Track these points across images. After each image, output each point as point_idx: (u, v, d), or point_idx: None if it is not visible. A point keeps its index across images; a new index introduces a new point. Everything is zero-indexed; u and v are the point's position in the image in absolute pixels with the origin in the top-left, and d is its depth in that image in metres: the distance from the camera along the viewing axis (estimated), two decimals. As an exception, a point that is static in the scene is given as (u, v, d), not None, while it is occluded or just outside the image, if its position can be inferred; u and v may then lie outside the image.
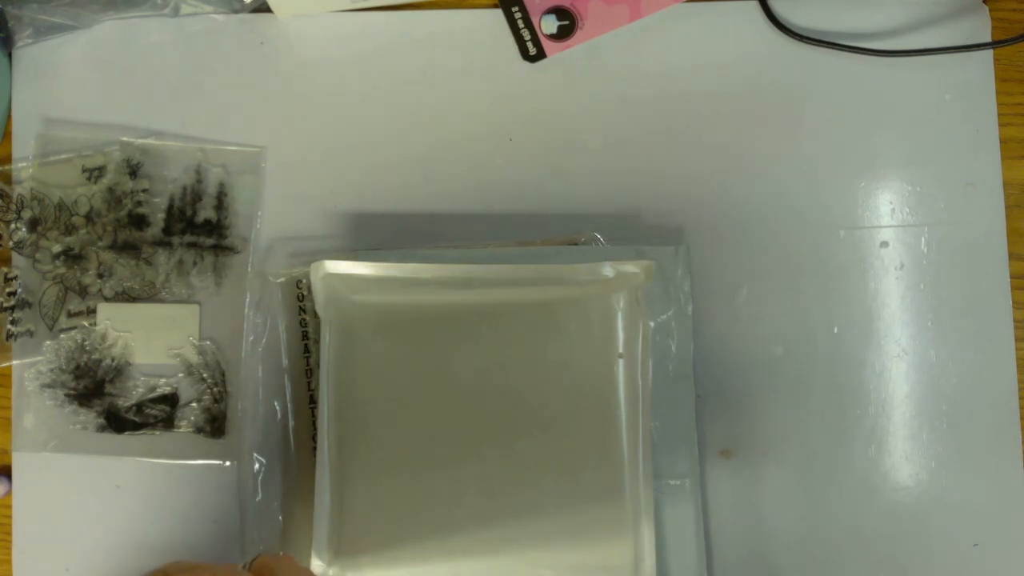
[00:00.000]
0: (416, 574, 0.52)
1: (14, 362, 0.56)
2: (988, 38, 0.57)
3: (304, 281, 0.56)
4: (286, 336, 0.55)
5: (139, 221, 0.56)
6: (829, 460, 0.55)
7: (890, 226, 0.56)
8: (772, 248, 0.56)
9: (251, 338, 0.55)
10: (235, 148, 0.57)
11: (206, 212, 0.56)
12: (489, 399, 0.53)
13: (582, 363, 0.53)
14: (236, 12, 0.58)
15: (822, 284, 0.56)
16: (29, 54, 0.58)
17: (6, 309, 0.56)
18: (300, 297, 0.56)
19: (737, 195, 0.56)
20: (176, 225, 0.56)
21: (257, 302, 0.55)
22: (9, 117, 0.57)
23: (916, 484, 0.55)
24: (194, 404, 0.56)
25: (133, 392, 0.56)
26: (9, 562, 0.55)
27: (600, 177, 0.56)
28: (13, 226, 0.56)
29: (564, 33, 0.57)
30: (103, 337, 0.56)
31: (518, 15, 0.57)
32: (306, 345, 0.55)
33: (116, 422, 0.55)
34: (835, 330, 0.56)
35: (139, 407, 0.56)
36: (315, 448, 0.53)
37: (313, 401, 0.55)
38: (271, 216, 0.57)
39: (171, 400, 0.56)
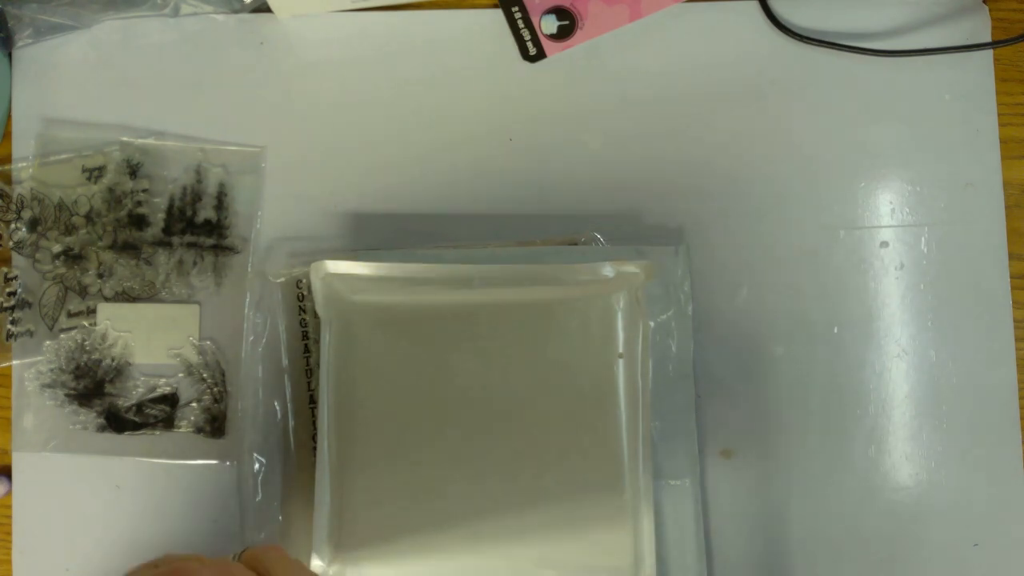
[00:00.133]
0: (416, 573, 0.52)
1: (14, 362, 0.56)
2: (988, 38, 0.57)
3: (304, 281, 0.56)
4: (286, 336, 0.55)
5: (139, 221, 0.56)
6: (829, 460, 0.55)
7: (890, 226, 0.56)
8: (772, 248, 0.56)
9: (251, 338, 0.55)
10: (235, 148, 0.57)
11: (206, 212, 0.56)
12: (489, 399, 0.53)
13: (582, 363, 0.53)
14: (236, 12, 0.58)
15: (822, 284, 0.56)
16: (29, 54, 0.58)
17: (6, 309, 0.56)
18: (300, 297, 0.56)
19: (737, 195, 0.56)
20: (176, 225, 0.56)
21: (257, 302, 0.55)
22: (9, 117, 0.57)
23: (916, 484, 0.55)
24: (194, 404, 0.56)
25: (133, 392, 0.56)
26: (9, 562, 0.55)
27: (600, 177, 0.56)
28: (13, 226, 0.56)
29: (564, 33, 0.57)
30: (103, 337, 0.56)
31: (518, 15, 0.57)
32: (306, 345, 0.55)
33: (116, 422, 0.55)
34: (835, 330, 0.56)
35: (139, 407, 0.56)
36: (315, 448, 0.53)
37: (313, 401, 0.55)
38: (271, 216, 0.57)
39: (171, 400, 0.56)
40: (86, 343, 0.56)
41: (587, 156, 0.57)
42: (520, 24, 0.57)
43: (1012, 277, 0.56)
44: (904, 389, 0.55)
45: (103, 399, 0.56)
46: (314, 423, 0.55)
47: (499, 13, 0.57)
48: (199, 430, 0.55)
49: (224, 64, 0.58)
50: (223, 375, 0.56)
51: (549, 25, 0.57)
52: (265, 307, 0.55)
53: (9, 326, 0.56)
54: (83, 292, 0.56)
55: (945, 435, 0.55)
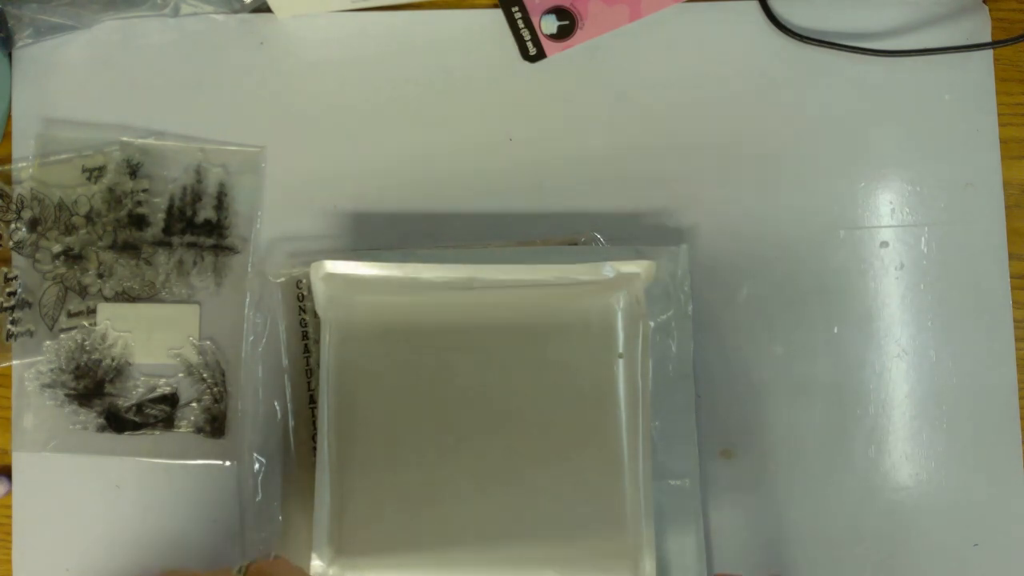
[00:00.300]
0: (416, 572, 0.52)
1: (14, 362, 0.56)
2: (988, 38, 0.57)
3: (304, 281, 0.56)
4: (286, 336, 0.55)
5: (139, 221, 0.56)
6: (829, 460, 0.55)
7: (890, 226, 0.56)
8: (772, 248, 0.56)
9: (251, 338, 0.55)
10: (235, 148, 0.57)
11: (206, 212, 0.56)
12: (489, 399, 0.53)
13: (582, 363, 0.53)
14: (236, 12, 0.58)
15: (822, 284, 0.56)
16: (29, 54, 0.58)
17: (6, 309, 0.56)
18: (300, 297, 0.56)
19: (737, 195, 0.56)
20: (176, 225, 0.56)
21: (257, 302, 0.55)
22: (9, 117, 0.57)
23: (916, 484, 0.55)
24: (194, 404, 0.56)
25: (133, 392, 0.56)
26: (9, 562, 0.55)
27: (600, 177, 0.56)
28: (13, 226, 0.56)
29: (564, 33, 0.57)
30: (103, 337, 0.56)
31: (518, 15, 0.57)
32: (306, 345, 0.55)
33: (116, 422, 0.55)
34: (835, 330, 0.56)
35: (139, 407, 0.56)
36: (315, 448, 0.53)
37: (313, 401, 0.55)
38: (271, 216, 0.57)
39: (171, 400, 0.56)
40: (86, 343, 0.56)
41: (587, 156, 0.57)
42: (520, 24, 0.57)
43: (1012, 277, 0.56)
44: (904, 389, 0.55)
45: (103, 399, 0.56)
46: (314, 423, 0.55)
47: (499, 13, 0.57)
48: (199, 430, 0.55)
49: (224, 64, 0.58)
50: (223, 375, 0.56)
51: (549, 25, 0.57)
52: (265, 307, 0.55)
53: (9, 326, 0.56)
54: (83, 292, 0.56)
55: (945, 435, 0.55)
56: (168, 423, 0.56)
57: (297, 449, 0.55)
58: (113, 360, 0.56)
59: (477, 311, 0.54)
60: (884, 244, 0.56)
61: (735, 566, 0.54)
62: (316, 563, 0.50)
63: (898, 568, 0.54)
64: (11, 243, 0.56)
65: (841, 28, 0.57)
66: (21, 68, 0.58)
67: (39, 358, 0.56)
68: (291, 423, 0.55)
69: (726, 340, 0.56)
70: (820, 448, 0.55)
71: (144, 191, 0.56)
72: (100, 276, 0.56)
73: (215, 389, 0.56)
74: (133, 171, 0.56)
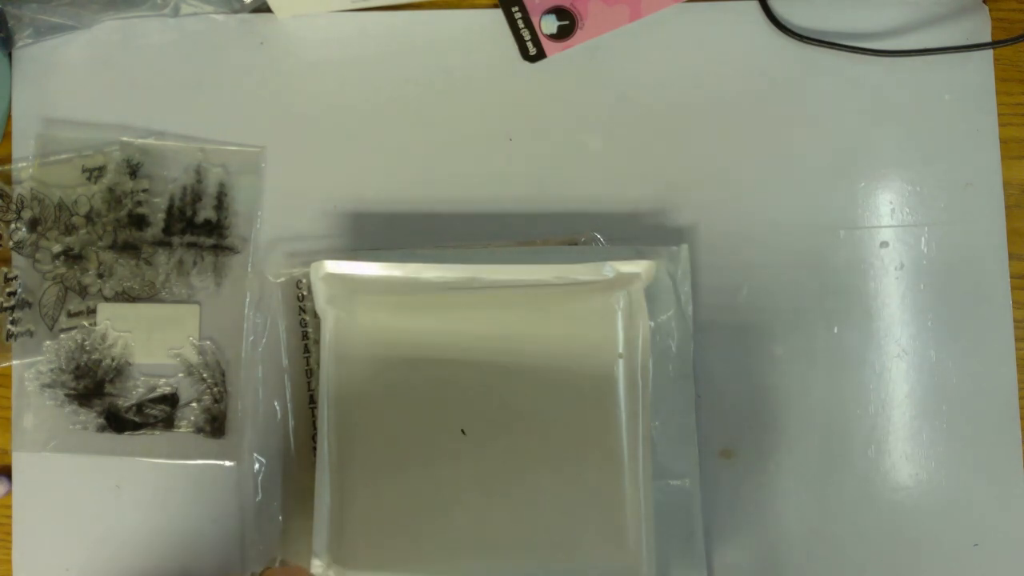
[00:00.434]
0: (416, 572, 0.52)
1: (14, 362, 0.56)
2: (988, 38, 0.57)
3: (304, 281, 0.56)
4: (286, 336, 0.56)
5: (139, 221, 0.56)
6: (829, 460, 0.55)
7: (890, 226, 0.56)
8: (772, 248, 0.56)
9: (251, 338, 0.55)
10: (235, 148, 0.57)
11: (206, 212, 0.56)
12: (489, 399, 0.53)
13: (582, 363, 0.53)
14: (236, 12, 0.58)
15: (822, 284, 0.56)
16: (29, 54, 0.58)
17: (6, 309, 0.56)
18: (300, 297, 0.56)
19: (737, 195, 0.56)
20: (176, 225, 0.56)
21: (257, 302, 0.55)
22: (9, 117, 0.57)
23: (916, 484, 0.55)
24: (194, 404, 0.56)
25: (133, 392, 0.56)
26: (9, 562, 0.55)
27: (600, 177, 0.56)
28: (13, 226, 0.56)
29: (564, 33, 0.57)
30: (103, 337, 0.56)
31: (518, 15, 0.57)
32: (306, 345, 0.55)
33: (116, 422, 0.55)
34: (835, 330, 0.56)
35: (139, 407, 0.56)
36: (315, 448, 0.54)
37: (313, 401, 0.55)
38: (271, 216, 0.57)
39: (171, 400, 0.56)
40: (86, 343, 0.56)
41: (587, 156, 0.57)
42: (520, 24, 0.57)
43: (1012, 277, 0.56)
44: (904, 389, 0.55)
45: (103, 399, 0.56)
46: (314, 423, 0.55)
47: (499, 13, 0.57)
48: (199, 430, 0.55)
49: (224, 64, 0.58)
50: (223, 375, 0.56)
51: (549, 25, 0.57)
52: (265, 307, 0.56)
53: (9, 326, 0.56)
54: (83, 292, 0.56)
55: (945, 435, 0.55)
56: (168, 423, 0.56)
57: (297, 449, 0.55)
58: (113, 360, 0.56)
59: (477, 311, 0.54)
60: (884, 244, 0.56)
61: (735, 566, 0.54)
62: (316, 563, 0.50)
63: (898, 568, 0.54)
64: (11, 243, 0.56)
65: (841, 28, 0.57)
66: (21, 68, 0.58)
67: (39, 358, 0.56)
68: (291, 423, 0.55)
69: (726, 340, 0.56)
70: (820, 448, 0.55)
71: (144, 191, 0.56)
72: (100, 276, 0.56)
73: (215, 389, 0.56)
74: (133, 171, 0.56)
